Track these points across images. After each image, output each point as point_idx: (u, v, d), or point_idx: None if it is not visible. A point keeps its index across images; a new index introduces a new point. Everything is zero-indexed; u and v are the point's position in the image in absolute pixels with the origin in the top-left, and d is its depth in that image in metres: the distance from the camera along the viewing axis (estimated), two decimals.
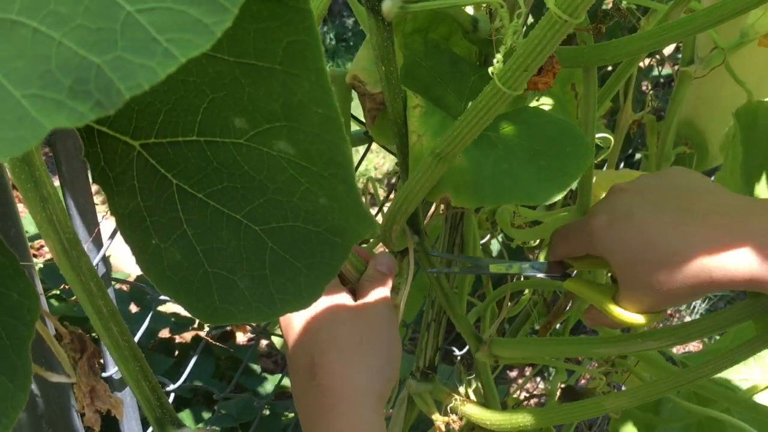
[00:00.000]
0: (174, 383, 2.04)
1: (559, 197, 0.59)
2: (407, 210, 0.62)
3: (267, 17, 0.30)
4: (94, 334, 0.50)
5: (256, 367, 2.13)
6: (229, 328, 2.40)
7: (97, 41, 0.24)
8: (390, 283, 0.64)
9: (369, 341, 0.59)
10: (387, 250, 0.70)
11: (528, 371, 2.25)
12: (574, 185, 0.59)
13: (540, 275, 0.68)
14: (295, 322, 0.59)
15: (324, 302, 0.59)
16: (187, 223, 0.39)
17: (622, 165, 1.80)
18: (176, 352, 2.15)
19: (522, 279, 1.13)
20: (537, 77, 0.66)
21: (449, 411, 0.81)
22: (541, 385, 2.39)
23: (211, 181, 0.38)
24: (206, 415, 1.88)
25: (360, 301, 0.62)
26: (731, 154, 1.03)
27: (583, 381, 1.90)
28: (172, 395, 0.94)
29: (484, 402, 0.84)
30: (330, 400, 0.56)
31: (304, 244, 0.39)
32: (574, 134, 0.63)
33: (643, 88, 2.24)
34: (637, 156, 2.01)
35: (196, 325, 2.19)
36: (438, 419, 0.79)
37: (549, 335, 1.20)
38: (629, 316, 0.61)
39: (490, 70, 0.49)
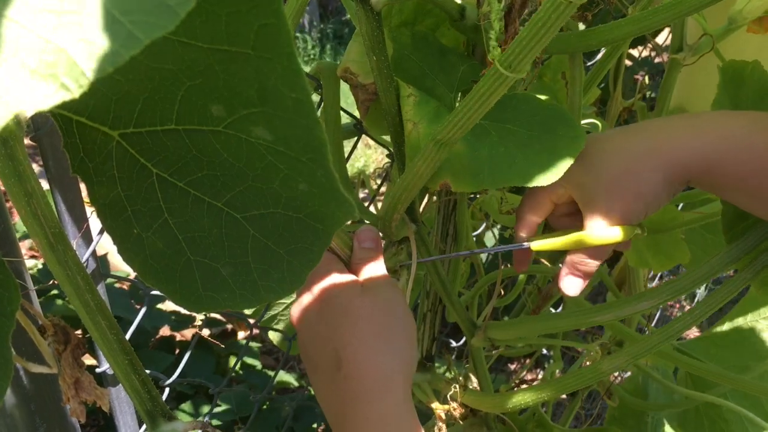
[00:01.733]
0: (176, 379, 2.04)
1: (555, 179, 0.59)
2: (407, 198, 0.62)
3: (237, 1, 0.30)
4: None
5: (256, 362, 2.13)
6: (230, 326, 2.41)
7: (61, 24, 0.24)
8: (381, 258, 0.63)
9: (387, 325, 0.58)
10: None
11: (527, 362, 2.25)
12: (567, 167, 0.59)
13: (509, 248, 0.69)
14: (309, 317, 0.59)
15: (335, 291, 0.58)
16: (168, 211, 0.39)
17: None
18: (177, 350, 2.16)
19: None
20: None
21: (449, 399, 0.81)
22: (542, 375, 2.40)
23: (191, 170, 0.38)
24: (207, 409, 1.88)
25: (366, 286, 0.60)
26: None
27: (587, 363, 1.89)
28: (169, 391, 0.94)
29: (479, 390, 0.84)
30: (360, 389, 0.55)
31: (286, 231, 0.39)
32: (566, 118, 0.63)
33: (640, 78, 2.24)
34: None
35: (196, 323, 2.20)
36: (438, 408, 0.80)
37: None
38: (607, 233, 0.60)
39: (489, 56, 0.49)
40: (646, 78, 2.23)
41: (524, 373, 2.28)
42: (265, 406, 1.89)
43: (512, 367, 2.37)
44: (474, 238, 1.21)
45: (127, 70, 0.27)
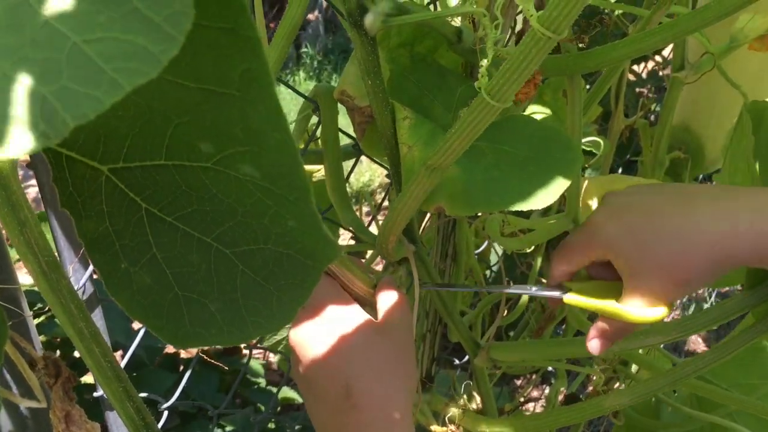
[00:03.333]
0: (179, 399, 2.03)
1: (550, 202, 0.58)
2: (403, 221, 0.62)
3: (223, 45, 0.30)
4: None
5: (261, 380, 2.12)
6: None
7: (43, 72, 0.24)
8: (400, 293, 0.64)
9: (401, 361, 0.60)
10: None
11: (533, 378, 2.24)
12: (563, 190, 0.59)
13: (540, 294, 0.68)
14: (316, 347, 0.58)
15: (349, 325, 0.59)
16: (157, 246, 0.39)
17: (620, 171, 1.80)
18: (181, 367, 2.15)
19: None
20: None
21: (447, 421, 0.80)
22: (548, 392, 2.38)
23: (181, 205, 0.38)
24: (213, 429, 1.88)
25: (384, 321, 0.61)
26: (735, 153, 1.02)
27: (590, 389, 1.88)
28: (175, 410, 0.94)
29: (482, 410, 0.84)
30: (370, 419, 0.56)
31: (276, 267, 0.39)
32: (563, 140, 0.63)
33: (644, 93, 2.24)
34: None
35: None
36: (437, 430, 0.79)
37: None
38: (641, 313, 0.58)
39: (477, 84, 0.49)
40: (651, 92, 2.22)
41: (530, 389, 2.26)
42: (271, 425, 1.88)
43: (518, 382, 2.35)
44: (476, 256, 1.20)
45: (116, 108, 0.27)
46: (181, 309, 0.39)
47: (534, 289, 0.68)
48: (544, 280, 1.01)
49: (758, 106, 0.85)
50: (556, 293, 0.65)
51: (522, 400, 2.02)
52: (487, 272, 1.68)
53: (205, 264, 0.39)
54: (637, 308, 0.58)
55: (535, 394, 2.36)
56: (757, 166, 0.80)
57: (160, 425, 0.87)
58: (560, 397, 1.50)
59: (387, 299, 0.63)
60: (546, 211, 1.10)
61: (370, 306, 0.64)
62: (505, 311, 1.24)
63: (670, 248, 0.55)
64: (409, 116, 0.62)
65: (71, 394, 0.47)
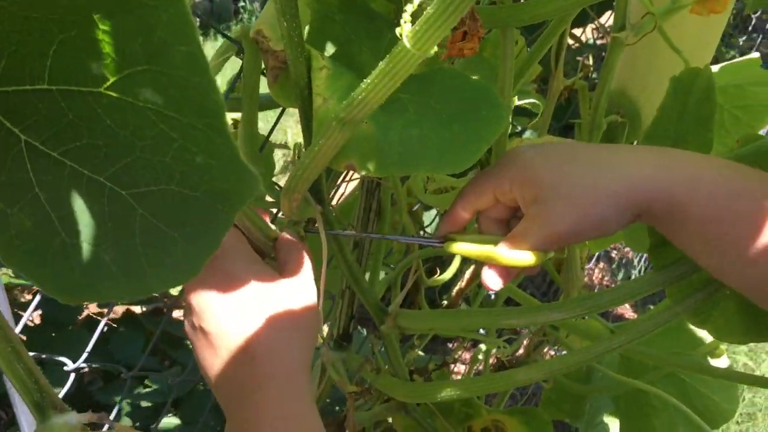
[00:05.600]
0: (103, 360, 1.95)
1: (470, 164, 0.55)
2: (309, 177, 0.57)
3: None
4: None
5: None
6: (166, 300, 2.33)
7: None
8: (304, 246, 0.63)
9: (301, 313, 0.58)
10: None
11: (464, 341, 2.25)
12: (484, 151, 0.56)
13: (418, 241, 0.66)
14: (213, 299, 0.56)
15: (249, 276, 0.57)
16: (39, 185, 0.33)
17: (558, 134, 1.79)
18: (105, 329, 2.07)
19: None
20: (462, 42, 0.62)
21: (360, 381, 0.79)
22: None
23: (67, 138, 0.33)
24: (140, 390, 1.82)
25: (284, 272, 0.60)
26: (663, 118, 1.02)
27: (521, 351, 1.91)
28: (91, 373, 0.88)
29: (395, 374, 0.82)
30: (268, 373, 0.55)
31: (181, 211, 0.34)
32: (491, 97, 0.59)
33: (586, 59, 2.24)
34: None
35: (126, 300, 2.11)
36: (349, 389, 0.77)
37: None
38: (519, 256, 0.58)
39: (398, 30, 0.45)
40: (591, 57, 2.23)
41: (461, 352, 2.28)
42: (201, 387, 1.83)
43: (451, 346, 2.37)
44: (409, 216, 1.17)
45: None
46: (69, 258, 0.34)
47: (416, 237, 0.67)
48: None
49: (689, 74, 0.84)
50: (436, 242, 0.64)
51: (453, 360, 2.03)
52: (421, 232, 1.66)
53: (97, 206, 0.34)
54: (512, 252, 0.58)
55: (467, 356, 2.38)
56: (680, 132, 0.79)
57: (65, 388, 0.82)
58: (492, 360, 1.50)
59: (288, 250, 0.61)
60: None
61: (271, 258, 0.62)
62: (423, 276, 1.22)
63: (581, 179, 0.56)
64: (326, 66, 0.57)
65: None
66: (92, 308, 2.10)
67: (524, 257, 0.58)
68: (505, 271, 0.61)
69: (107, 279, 0.35)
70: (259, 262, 0.59)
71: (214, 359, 0.56)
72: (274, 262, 0.63)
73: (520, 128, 1.33)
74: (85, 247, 0.34)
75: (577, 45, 2.39)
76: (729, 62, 1.01)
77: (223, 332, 0.55)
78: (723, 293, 0.66)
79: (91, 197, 0.34)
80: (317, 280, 0.62)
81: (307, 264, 0.61)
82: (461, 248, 0.63)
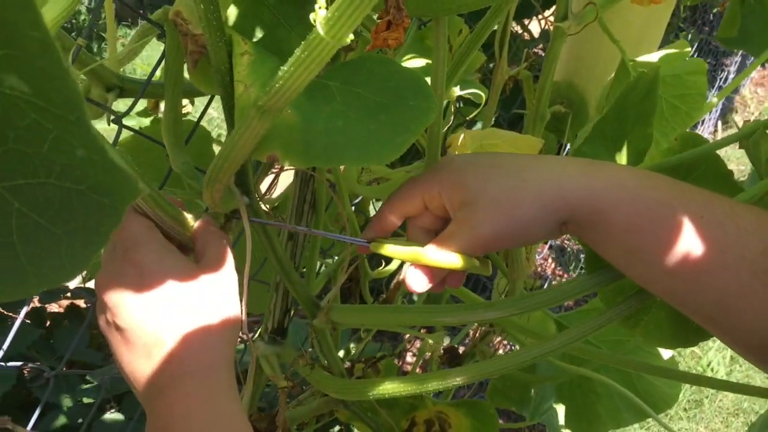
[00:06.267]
0: (44, 355, 1.88)
1: (395, 157, 0.54)
2: (230, 168, 0.55)
3: None
4: None
5: None
6: None
7: None
8: (224, 236, 0.61)
9: (219, 305, 0.57)
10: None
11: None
12: (410, 143, 0.54)
13: (343, 239, 0.66)
14: (125, 292, 0.54)
15: (162, 267, 0.55)
16: None
17: (506, 126, 1.80)
18: (48, 323, 2.01)
19: None
20: (386, 32, 0.60)
21: (293, 375, 0.77)
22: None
23: None
24: (82, 386, 1.77)
25: (201, 262, 0.58)
26: (603, 119, 1.03)
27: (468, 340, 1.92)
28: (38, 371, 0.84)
29: (329, 368, 0.80)
30: (184, 368, 0.53)
31: (64, 207, 0.32)
32: (420, 86, 0.58)
33: (529, 50, 2.25)
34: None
35: (69, 294, 2.05)
36: (281, 384, 0.75)
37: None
38: (445, 257, 0.58)
39: (312, 16, 0.43)
40: (545, 49, 2.24)
41: (412, 342, 2.28)
42: None
43: (403, 335, 2.37)
44: (353, 207, 1.16)
45: None
46: None
47: (343, 235, 0.66)
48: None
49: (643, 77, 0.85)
50: (362, 241, 0.64)
51: (401, 351, 2.03)
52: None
53: None
54: (439, 253, 0.59)
55: (417, 347, 2.38)
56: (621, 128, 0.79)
57: None
58: (441, 351, 1.50)
59: (206, 240, 0.60)
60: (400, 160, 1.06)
61: (189, 249, 0.61)
62: (375, 267, 1.21)
63: (506, 182, 0.57)
64: (249, 51, 0.54)
65: None
66: (36, 301, 2.03)
67: (451, 259, 0.58)
68: (431, 272, 0.61)
69: None
70: (173, 253, 0.57)
71: (130, 356, 0.54)
72: (193, 254, 0.61)
73: (466, 120, 1.32)
74: None
75: (529, 37, 2.40)
76: (665, 52, 1.02)
77: (136, 328, 0.53)
78: (654, 300, 0.67)
79: None
80: (242, 272, 0.60)
81: (227, 254, 0.59)
82: (389, 249, 0.62)
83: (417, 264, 0.61)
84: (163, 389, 0.53)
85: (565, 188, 0.55)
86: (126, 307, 0.53)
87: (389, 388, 0.66)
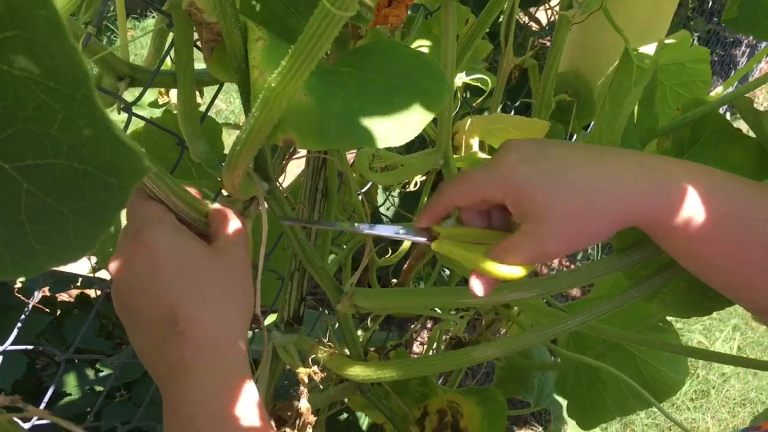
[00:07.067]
0: (55, 343, 1.89)
1: (411, 138, 0.55)
2: (249, 153, 0.56)
3: None
4: None
5: None
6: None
7: None
8: (237, 215, 0.61)
9: (233, 287, 0.57)
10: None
11: (422, 319, 2.26)
12: (425, 124, 0.55)
13: (403, 238, 0.65)
14: (139, 273, 0.54)
15: (176, 248, 0.55)
16: None
17: (513, 114, 1.80)
18: (58, 312, 2.03)
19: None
20: (387, 9, 0.61)
21: (311, 363, 0.78)
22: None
23: None
24: (92, 375, 1.79)
25: (215, 243, 0.58)
26: (615, 97, 1.02)
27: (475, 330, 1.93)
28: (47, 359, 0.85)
29: (348, 354, 0.81)
30: (198, 348, 0.53)
31: (71, 186, 0.33)
32: (432, 69, 0.58)
33: (538, 41, 2.24)
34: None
35: (79, 283, 2.07)
36: (302, 371, 0.76)
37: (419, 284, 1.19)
38: (505, 269, 0.58)
39: None
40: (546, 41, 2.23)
41: (419, 331, 2.29)
42: None
43: (407, 327, 2.38)
44: (360, 197, 1.16)
45: None
46: None
47: (401, 231, 0.65)
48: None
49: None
50: (423, 239, 0.63)
51: (409, 339, 2.04)
52: (388, 214, 1.64)
53: None
54: (500, 266, 0.58)
55: (426, 334, 2.39)
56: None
57: None
58: (446, 339, 1.51)
59: (220, 222, 0.60)
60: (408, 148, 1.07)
61: (204, 235, 0.60)
62: (381, 254, 1.21)
63: (578, 200, 0.56)
64: (263, 37, 0.55)
65: None
66: (46, 290, 2.05)
67: (513, 272, 0.58)
68: (492, 280, 0.61)
69: None
70: (186, 234, 0.57)
71: (143, 337, 0.55)
72: (207, 238, 0.61)
73: (473, 107, 1.32)
74: None
75: (537, 27, 2.39)
76: (668, 41, 1.02)
77: (148, 308, 0.53)
78: (675, 274, 0.67)
79: None
80: (258, 258, 0.61)
81: (242, 237, 0.59)
82: (450, 250, 0.62)
83: (478, 273, 0.61)
84: (179, 371, 0.53)
85: (638, 208, 0.55)
86: (138, 287, 0.53)
87: (414, 367, 0.67)
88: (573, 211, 0.55)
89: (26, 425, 0.76)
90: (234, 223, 0.60)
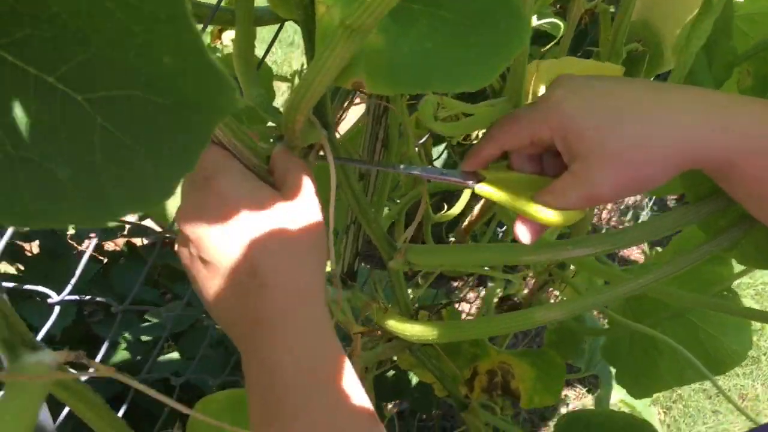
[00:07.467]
0: (102, 292, 1.92)
1: (487, 83, 0.50)
2: (313, 96, 0.51)
3: None
4: None
5: None
6: (168, 235, 2.30)
7: None
8: (307, 168, 0.57)
9: (309, 235, 0.53)
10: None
11: (470, 280, 2.23)
12: (504, 68, 0.50)
13: (449, 180, 0.61)
14: (212, 226, 0.51)
15: (249, 198, 0.52)
16: None
17: None
18: (105, 260, 2.05)
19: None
20: None
21: (366, 320, 0.75)
22: (483, 293, 2.38)
23: (6, 29, 0.27)
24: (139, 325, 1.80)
25: (286, 192, 0.54)
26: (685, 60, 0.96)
27: (526, 291, 1.88)
28: (95, 306, 0.85)
29: (400, 312, 0.78)
30: (281, 300, 0.50)
31: (149, 122, 0.29)
32: (512, 7, 0.52)
33: None
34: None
35: (126, 232, 2.08)
36: (355, 329, 0.73)
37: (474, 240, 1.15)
38: (552, 214, 0.55)
39: None
40: None
41: (467, 290, 2.26)
42: (205, 321, 1.81)
43: (455, 284, 2.35)
44: (417, 149, 1.11)
45: None
46: (15, 175, 0.29)
47: (445, 172, 0.61)
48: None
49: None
50: (468, 181, 0.60)
51: (458, 300, 2.01)
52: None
53: (47, 114, 0.28)
54: (543, 209, 0.55)
55: (471, 295, 2.36)
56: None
57: (50, 321, 0.78)
58: (495, 300, 1.47)
59: (285, 167, 0.56)
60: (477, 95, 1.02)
61: (266, 180, 0.56)
62: (440, 208, 1.17)
63: (630, 138, 0.51)
64: None
65: None
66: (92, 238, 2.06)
67: (560, 217, 0.55)
68: (539, 226, 0.57)
69: (63, 201, 0.29)
70: (255, 180, 0.53)
71: (219, 291, 0.51)
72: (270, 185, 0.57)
73: (541, 52, 1.26)
74: (35, 163, 0.29)
75: None
76: None
77: (224, 260, 0.50)
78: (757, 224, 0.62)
79: (40, 101, 0.28)
80: (324, 207, 0.57)
81: (309, 180, 0.55)
82: (494, 195, 0.58)
83: (523, 218, 0.58)
84: (260, 322, 0.50)
85: (697, 148, 0.51)
86: (211, 238, 0.50)
87: (472, 329, 0.64)
88: (625, 153, 0.51)
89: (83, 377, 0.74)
90: (301, 170, 0.56)
